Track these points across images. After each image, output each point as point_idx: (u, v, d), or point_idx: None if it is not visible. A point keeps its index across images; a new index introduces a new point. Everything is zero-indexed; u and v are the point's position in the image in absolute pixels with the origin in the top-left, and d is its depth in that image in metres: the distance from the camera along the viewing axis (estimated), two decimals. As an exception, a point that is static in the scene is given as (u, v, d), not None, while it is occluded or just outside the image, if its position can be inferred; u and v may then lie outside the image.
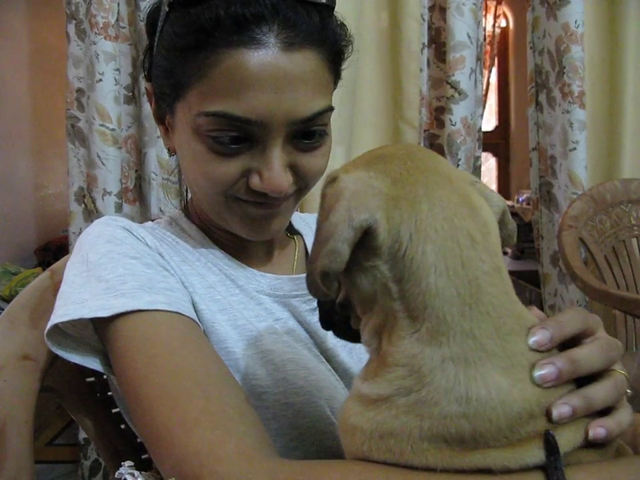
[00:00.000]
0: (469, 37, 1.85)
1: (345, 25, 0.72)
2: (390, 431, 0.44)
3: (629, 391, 0.50)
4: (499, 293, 0.45)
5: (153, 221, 0.83)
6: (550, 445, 0.42)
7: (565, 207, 1.97)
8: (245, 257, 0.78)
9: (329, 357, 0.74)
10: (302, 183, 0.70)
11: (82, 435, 1.94)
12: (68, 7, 1.83)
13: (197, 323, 0.65)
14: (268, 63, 0.62)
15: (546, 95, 2.05)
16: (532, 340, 0.45)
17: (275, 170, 0.65)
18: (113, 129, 1.79)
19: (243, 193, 0.68)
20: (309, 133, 0.67)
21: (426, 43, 1.94)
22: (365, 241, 0.45)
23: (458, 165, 1.90)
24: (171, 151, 0.76)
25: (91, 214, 1.84)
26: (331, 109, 0.69)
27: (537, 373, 0.44)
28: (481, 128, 2.01)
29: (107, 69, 1.77)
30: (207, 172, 0.67)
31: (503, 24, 4.68)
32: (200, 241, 0.77)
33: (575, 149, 1.95)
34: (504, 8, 4.60)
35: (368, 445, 0.45)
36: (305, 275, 0.74)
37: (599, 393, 0.47)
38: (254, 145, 0.66)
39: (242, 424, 0.55)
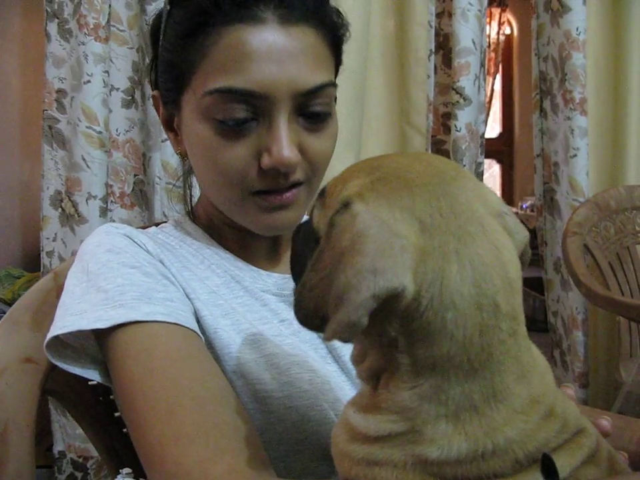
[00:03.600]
0: (473, 43, 1.85)
1: (340, 11, 0.74)
2: (376, 461, 0.44)
3: None
4: (507, 359, 0.43)
5: (157, 225, 0.82)
6: (548, 469, 0.42)
7: (567, 213, 1.97)
8: (251, 256, 0.77)
9: (335, 356, 0.73)
10: (310, 170, 0.70)
11: (57, 447, 1.88)
12: (49, 5, 1.80)
13: (196, 334, 0.65)
14: (267, 36, 0.64)
15: (550, 102, 2.05)
16: None
17: (282, 141, 0.65)
18: (100, 132, 1.77)
19: (256, 180, 0.68)
20: (313, 111, 0.68)
21: (433, 50, 1.94)
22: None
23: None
24: (182, 156, 0.76)
25: (70, 218, 1.80)
26: (333, 84, 0.70)
27: None
28: (483, 134, 2.01)
29: (96, 70, 1.75)
30: (218, 160, 0.67)
31: (507, 31, 4.69)
32: (205, 242, 0.77)
33: (575, 155, 1.95)
34: (508, 15, 4.60)
35: (356, 471, 0.45)
36: None
37: None
38: (260, 123, 0.66)
39: (237, 441, 0.55)
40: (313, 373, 0.68)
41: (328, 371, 0.70)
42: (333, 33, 0.71)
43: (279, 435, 0.64)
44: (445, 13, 1.97)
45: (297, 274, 0.58)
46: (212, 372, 0.61)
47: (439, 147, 2.15)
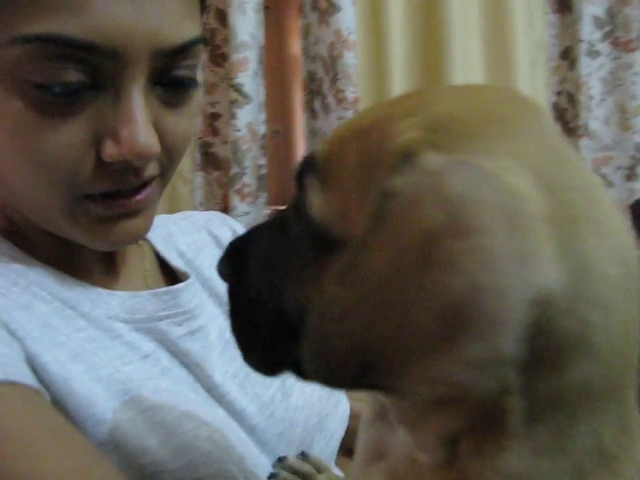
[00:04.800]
0: (252, 37, 1.77)
1: None
2: None
3: None
4: (634, 372, 0.30)
5: None
6: None
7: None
8: (79, 271, 0.55)
9: (217, 398, 0.54)
10: (166, 159, 0.51)
11: None
12: None
13: (39, 393, 0.42)
14: None
15: (320, 102, 2.04)
16: None
17: (137, 122, 0.45)
18: None
19: (92, 179, 0.46)
20: (176, 77, 0.48)
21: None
22: None
23: (244, 175, 1.79)
24: None
25: None
26: (204, 42, 0.51)
27: None
28: (265, 135, 1.92)
29: None
30: (34, 147, 0.44)
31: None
32: (11, 255, 0.52)
33: (347, 157, 1.96)
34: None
35: None
36: (173, 288, 0.54)
37: None
38: (102, 93, 0.45)
39: None
40: (208, 427, 0.48)
41: (218, 419, 0.51)
42: None
43: None
44: (212, 6, 1.85)
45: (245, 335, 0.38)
46: (77, 449, 0.41)
47: (206, 149, 2.04)
